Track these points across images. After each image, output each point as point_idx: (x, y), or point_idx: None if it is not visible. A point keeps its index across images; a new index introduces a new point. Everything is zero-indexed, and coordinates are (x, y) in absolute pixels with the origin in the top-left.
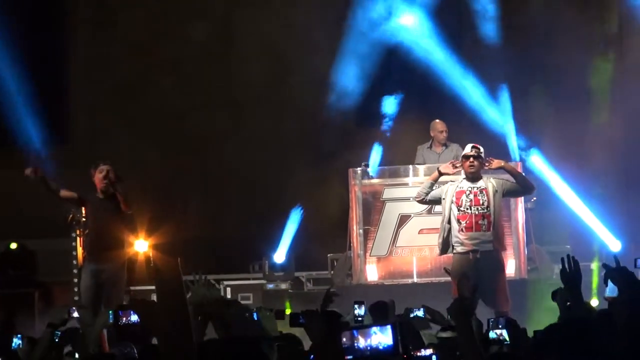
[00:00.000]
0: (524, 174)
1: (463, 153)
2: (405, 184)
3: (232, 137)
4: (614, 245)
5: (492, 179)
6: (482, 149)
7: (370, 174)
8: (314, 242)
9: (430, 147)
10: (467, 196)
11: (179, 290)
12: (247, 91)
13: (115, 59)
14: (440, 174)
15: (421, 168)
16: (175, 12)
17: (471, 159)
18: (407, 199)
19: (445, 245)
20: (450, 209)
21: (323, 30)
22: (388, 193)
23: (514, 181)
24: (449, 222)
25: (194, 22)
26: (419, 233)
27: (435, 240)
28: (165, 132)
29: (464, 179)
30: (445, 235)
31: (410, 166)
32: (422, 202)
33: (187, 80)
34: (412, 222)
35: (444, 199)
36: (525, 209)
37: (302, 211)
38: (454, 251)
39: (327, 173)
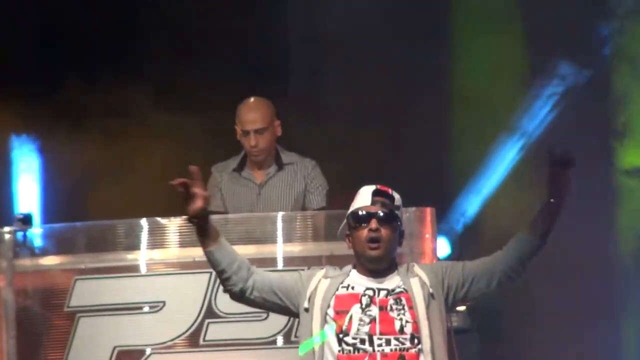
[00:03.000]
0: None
1: (355, 207)
2: (132, 268)
3: None
4: None
5: (417, 265)
6: (397, 197)
7: (32, 243)
8: None
9: (241, 167)
10: (363, 311)
11: None
12: None
13: None
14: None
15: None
16: None
17: (373, 223)
18: (136, 308)
19: None
20: (325, 336)
21: None
22: (82, 290)
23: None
24: None
25: None
26: None
27: None
28: None
29: (353, 267)
30: None
31: (143, 221)
32: (242, 300)
33: None
34: None
35: (306, 309)
36: (449, 329)
37: None
38: None
39: None
